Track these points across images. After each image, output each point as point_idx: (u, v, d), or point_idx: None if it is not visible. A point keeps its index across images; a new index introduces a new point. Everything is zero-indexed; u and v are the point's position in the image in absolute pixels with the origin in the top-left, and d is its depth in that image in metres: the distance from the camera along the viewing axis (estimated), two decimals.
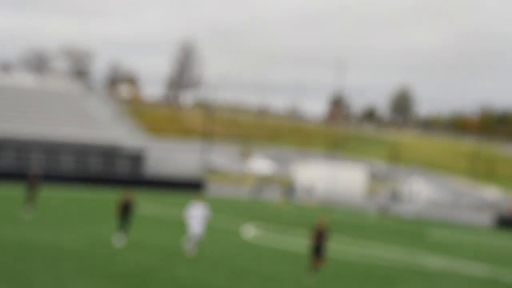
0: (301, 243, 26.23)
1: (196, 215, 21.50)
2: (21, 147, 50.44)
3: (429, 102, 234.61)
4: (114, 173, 52.72)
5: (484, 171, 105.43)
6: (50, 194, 36.28)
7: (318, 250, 17.59)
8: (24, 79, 71.92)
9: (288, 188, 58.13)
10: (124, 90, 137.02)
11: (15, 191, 36.19)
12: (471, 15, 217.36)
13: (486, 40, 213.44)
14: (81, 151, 53.37)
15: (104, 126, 59.42)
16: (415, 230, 42.68)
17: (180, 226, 25.23)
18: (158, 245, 23.17)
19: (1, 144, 49.64)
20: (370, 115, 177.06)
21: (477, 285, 22.13)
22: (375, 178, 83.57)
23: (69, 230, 24.96)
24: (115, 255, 19.22)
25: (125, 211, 21.65)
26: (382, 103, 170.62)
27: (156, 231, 27.82)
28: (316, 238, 17.76)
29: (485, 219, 54.21)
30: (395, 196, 64.72)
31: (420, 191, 70.94)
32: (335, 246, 21.89)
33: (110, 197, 33.26)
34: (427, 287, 20.02)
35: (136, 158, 55.24)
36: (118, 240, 21.16)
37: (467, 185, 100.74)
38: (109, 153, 54.88)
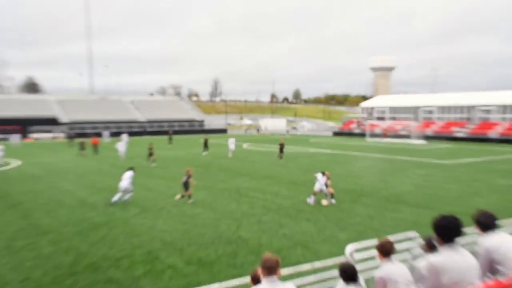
0: (268, 149, 55.08)
1: (231, 142, 46.84)
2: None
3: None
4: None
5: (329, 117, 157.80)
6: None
7: (281, 150, 42.04)
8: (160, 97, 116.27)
9: (258, 128, 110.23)
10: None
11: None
12: None
13: None
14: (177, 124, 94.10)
15: (187, 113, 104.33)
16: (304, 139, 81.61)
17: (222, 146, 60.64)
18: (214, 153, 49.68)
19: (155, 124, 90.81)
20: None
21: (329, 156, 46.35)
22: (288, 122, 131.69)
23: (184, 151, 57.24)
24: (198, 159, 44.18)
25: (205, 143, 48.14)
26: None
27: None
28: (280, 145, 42.40)
29: (330, 133, 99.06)
30: (295, 128, 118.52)
31: (305, 125, 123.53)
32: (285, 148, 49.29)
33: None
34: (309, 160, 43.68)
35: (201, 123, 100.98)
36: (204, 153, 48.44)
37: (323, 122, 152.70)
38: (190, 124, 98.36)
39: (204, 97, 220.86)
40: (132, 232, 17.43)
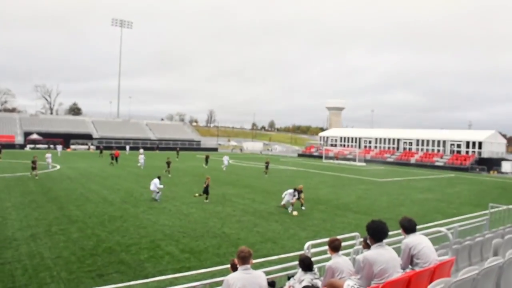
0: (248, 164, 56.19)
1: (226, 159, 47.00)
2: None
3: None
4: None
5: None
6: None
7: (266, 167, 41.47)
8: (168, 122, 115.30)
9: (241, 148, 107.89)
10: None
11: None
12: None
13: None
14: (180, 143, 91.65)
15: (188, 135, 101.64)
16: (276, 158, 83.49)
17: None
18: (207, 167, 56.70)
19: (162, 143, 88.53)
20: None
21: (295, 172, 46.74)
22: (264, 145, 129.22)
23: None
24: (195, 170, 46.40)
25: (207, 158, 49.73)
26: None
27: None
28: (266, 163, 41.85)
29: (295, 155, 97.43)
30: (269, 149, 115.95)
31: (277, 148, 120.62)
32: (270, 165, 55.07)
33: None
34: (279, 174, 45.67)
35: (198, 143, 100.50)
36: (205, 166, 55.73)
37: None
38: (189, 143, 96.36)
39: (202, 123, 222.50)
40: (140, 224, 17.09)
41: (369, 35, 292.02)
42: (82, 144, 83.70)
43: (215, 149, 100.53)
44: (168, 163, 38.91)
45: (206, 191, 23.58)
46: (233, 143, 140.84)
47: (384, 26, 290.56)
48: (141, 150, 57.91)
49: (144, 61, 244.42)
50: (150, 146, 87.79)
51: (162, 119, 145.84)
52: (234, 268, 5.69)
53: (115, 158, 47.52)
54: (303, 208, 22.13)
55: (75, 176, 33.44)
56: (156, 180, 23.68)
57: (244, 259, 5.11)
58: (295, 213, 20.72)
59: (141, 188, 27.66)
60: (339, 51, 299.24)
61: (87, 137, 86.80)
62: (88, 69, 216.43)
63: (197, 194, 24.37)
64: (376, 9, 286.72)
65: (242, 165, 55.06)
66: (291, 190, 22.16)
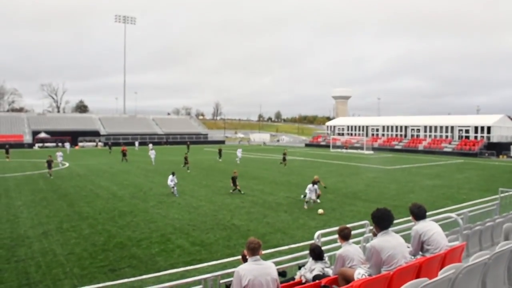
0: (256, 156, 55.81)
1: (239, 151, 46.99)
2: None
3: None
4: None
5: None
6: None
7: (284, 158, 40.52)
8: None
9: (248, 140, 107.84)
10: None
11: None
12: None
13: None
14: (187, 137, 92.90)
15: (195, 128, 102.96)
16: (283, 149, 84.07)
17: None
18: (215, 159, 53.65)
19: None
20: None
21: (302, 162, 46.50)
22: (271, 136, 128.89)
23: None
24: (203, 163, 46.23)
25: (220, 152, 49.44)
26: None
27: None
28: (284, 154, 40.95)
29: (302, 145, 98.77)
30: (278, 140, 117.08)
31: (284, 139, 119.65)
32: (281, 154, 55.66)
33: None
34: (287, 165, 45.23)
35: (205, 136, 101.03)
36: (219, 159, 55.38)
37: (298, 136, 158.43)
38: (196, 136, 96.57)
39: (208, 116, 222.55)
40: (150, 219, 17.20)
41: (375, 22, 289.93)
42: (90, 141, 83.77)
43: (223, 142, 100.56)
44: (186, 158, 38.05)
45: (234, 182, 24.21)
46: (240, 135, 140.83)
47: (390, 12, 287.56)
48: (151, 146, 57.76)
49: (149, 56, 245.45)
50: (158, 140, 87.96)
51: (169, 114, 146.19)
52: (245, 260, 5.70)
53: (122, 153, 47.34)
54: (318, 200, 21.09)
55: (84, 173, 33.62)
56: (170, 177, 23.85)
57: (254, 250, 5.11)
58: (320, 211, 18.80)
59: (150, 183, 27.78)
60: (345, 39, 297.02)
61: (95, 134, 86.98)
62: (94, 66, 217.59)
63: (231, 190, 24.26)
64: None
65: (250, 156, 54.99)
66: (310, 185, 20.63)
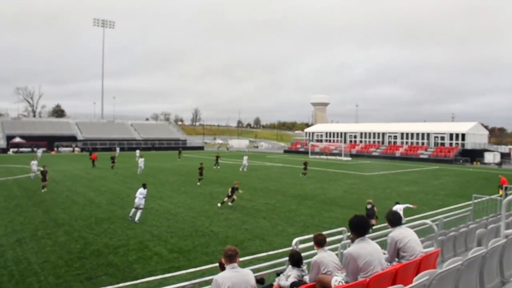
0: (234, 162, 55.24)
1: (245, 159, 44.77)
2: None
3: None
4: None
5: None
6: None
7: (305, 167, 46.35)
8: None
9: (227, 147, 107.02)
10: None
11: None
12: None
13: None
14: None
15: (174, 134, 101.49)
16: (262, 155, 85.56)
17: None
18: (194, 166, 55.54)
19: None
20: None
21: (281, 168, 46.96)
22: (250, 142, 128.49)
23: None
24: (182, 169, 48.00)
25: (217, 159, 55.22)
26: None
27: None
28: (304, 164, 47.93)
29: (281, 151, 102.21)
30: (256, 146, 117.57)
31: (263, 145, 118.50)
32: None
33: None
34: (266, 171, 47.91)
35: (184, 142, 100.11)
36: (216, 167, 54.88)
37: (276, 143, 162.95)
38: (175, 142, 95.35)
39: (187, 122, 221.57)
40: (128, 226, 17.02)
41: (358, 31, 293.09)
42: (67, 146, 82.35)
43: (201, 148, 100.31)
44: (201, 172, 32.46)
45: (232, 193, 22.33)
46: (219, 141, 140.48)
47: (373, 22, 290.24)
48: (138, 152, 55.96)
49: (132, 61, 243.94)
50: (136, 146, 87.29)
51: (147, 119, 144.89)
52: (222, 268, 5.70)
53: (92, 161, 45.89)
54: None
55: (61, 179, 33.03)
56: (141, 189, 18.88)
57: (231, 257, 5.10)
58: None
59: (128, 189, 27.45)
60: (329, 47, 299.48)
61: (72, 139, 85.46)
62: (72, 70, 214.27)
63: (225, 199, 22.30)
64: (365, 6, 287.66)
65: (228, 163, 54.87)
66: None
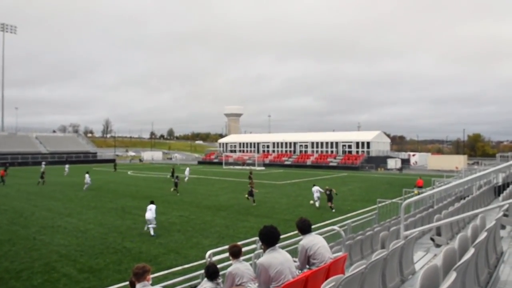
0: (148, 175, 57.14)
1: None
2: None
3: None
4: None
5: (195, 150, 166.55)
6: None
7: (250, 184, 50.38)
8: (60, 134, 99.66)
9: (140, 159, 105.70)
10: None
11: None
12: None
13: None
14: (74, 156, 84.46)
15: (83, 147, 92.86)
16: (177, 166, 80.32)
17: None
18: (104, 179, 54.56)
19: None
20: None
21: (195, 180, 45.41)
22: (164, 154, 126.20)
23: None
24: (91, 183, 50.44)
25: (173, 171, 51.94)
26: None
27: None
28: (250, 173, 49.99)
29: (195, 162, 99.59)
30: (170, 158, 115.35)
31: (177, 156, 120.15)
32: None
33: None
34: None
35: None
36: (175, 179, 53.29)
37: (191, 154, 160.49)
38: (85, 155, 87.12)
39: (98, 134, 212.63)
40: (32, 247, 15.86)
41: (276, 45, 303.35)
42: None
43: (113, 160, 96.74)
44: (251, 186, 30.05)
45: (251, 193, 27.46)
46: (131, 153, 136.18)
47: (291, 37, 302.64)
48: (67, 167, 56.55)
49: (40, 69, 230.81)
50: (41, 160, 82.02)
51: (54, 131, 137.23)
52: (133, 286, 5.55)
53: (1, 178, 42.24)
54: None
55: None
56: (152, 206, 18.93)
57: (139, 275, 4.99)
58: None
59: (33, 207, 25.67)
60: (247, 59, 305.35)
61: None
62: None
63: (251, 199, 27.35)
64: (284, 23, 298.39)
65: (141, 175, 53.42)
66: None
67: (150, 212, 18.46)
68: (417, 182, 33.61)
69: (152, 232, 17.97)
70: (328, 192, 25.36)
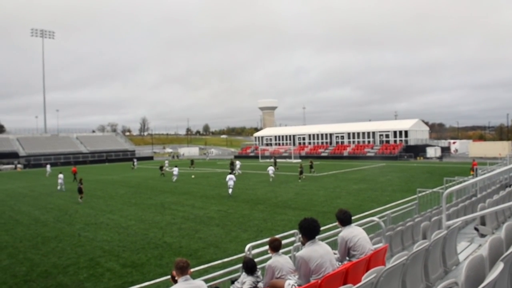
0: (184, 171, 55.34)
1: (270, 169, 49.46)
2: None
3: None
4: None
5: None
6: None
7: (301, 171, 40.55)
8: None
9: (177, 155, 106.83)
10: None
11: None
12: None
13: None
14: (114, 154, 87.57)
15: (121, 145, 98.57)
16: (213, 162, 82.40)
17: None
18: (142, 176, 54.72)
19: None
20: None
21: None
22: (200, 149, 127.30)
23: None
24: (131, 180, 47.58)
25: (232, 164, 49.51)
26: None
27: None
28: (300, 167, 50.28)
29: (232, 157, 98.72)
30: (205, 153, 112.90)
31: (213, 151, 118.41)
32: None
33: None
34: (217, 178, 45.54)
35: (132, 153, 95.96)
36: (238, 172, 54.58)
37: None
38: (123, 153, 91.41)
39: (135, 132, 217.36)
40: (77, 243, 16.40)
41: (317, 37, 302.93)
42: (8, 163, 78.44)
43: (151, 158, 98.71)
44: (311, 165, 45.13)
45: (301, 172, 35.86)
46: (168, 150, 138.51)
47: (331, 29, 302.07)
48: (49, 167, 56.85)
49: (85, 72, 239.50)
50: (83, 160, 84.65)
51: (93, 131, 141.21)
52: (174, 280, 5.64)
53: (74, 175, 44.31)
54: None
55: (2, 199, 31.48)
56: (230, 176, 28.63)
57: (182, 269, 5.05)
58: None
59: (76, 205, 26.55)
60: (286, 54, 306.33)
61: (13, 155, 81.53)
62: (13, 84, 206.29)
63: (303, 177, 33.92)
64: (325, 14, 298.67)
65: (180, 171, 54.14)
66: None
67: (232, 181, 28.04)
68: (473, 164, 34.63)
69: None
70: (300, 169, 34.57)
